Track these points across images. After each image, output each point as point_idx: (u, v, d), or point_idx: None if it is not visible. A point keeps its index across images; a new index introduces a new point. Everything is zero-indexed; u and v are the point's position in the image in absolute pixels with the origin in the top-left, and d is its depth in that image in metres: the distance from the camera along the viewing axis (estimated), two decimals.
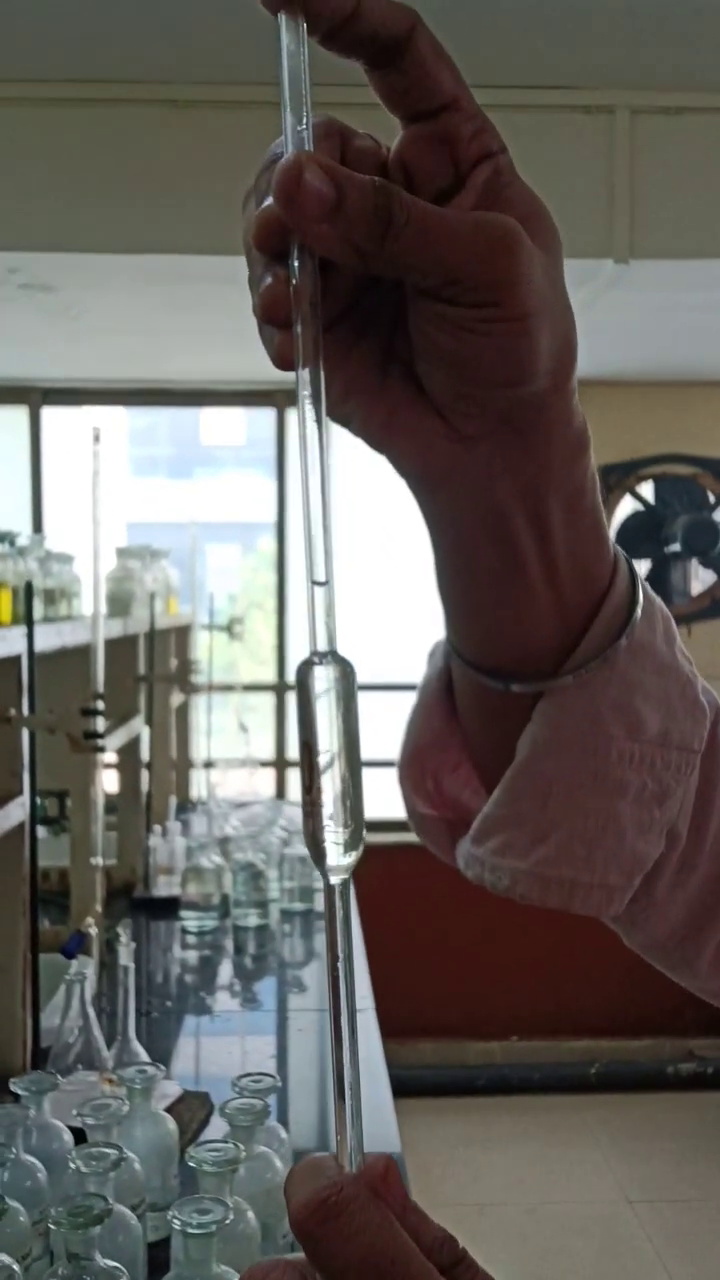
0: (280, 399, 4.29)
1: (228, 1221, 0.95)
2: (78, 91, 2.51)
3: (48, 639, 1.87)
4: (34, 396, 4.26)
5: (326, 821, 0.33)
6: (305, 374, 0.34)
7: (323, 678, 0.34)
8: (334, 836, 0.34)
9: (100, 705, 1.91)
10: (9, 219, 2.54)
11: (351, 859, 0.34)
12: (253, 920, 2.52)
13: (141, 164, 2.52)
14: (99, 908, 2.16)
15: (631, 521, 4.32)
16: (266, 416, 4.45)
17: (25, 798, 1.72)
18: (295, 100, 0.35)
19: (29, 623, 1.74)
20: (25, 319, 3.24)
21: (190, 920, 2.53)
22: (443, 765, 0.51)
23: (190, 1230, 0.93)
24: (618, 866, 0.46)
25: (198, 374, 4.11)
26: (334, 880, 0.34)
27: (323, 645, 0.34)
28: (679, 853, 0.47)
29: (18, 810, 1.69)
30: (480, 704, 0.48)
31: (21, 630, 1.73)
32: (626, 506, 4.32)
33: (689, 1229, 3.27)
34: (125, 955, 1.59)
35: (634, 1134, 3.79)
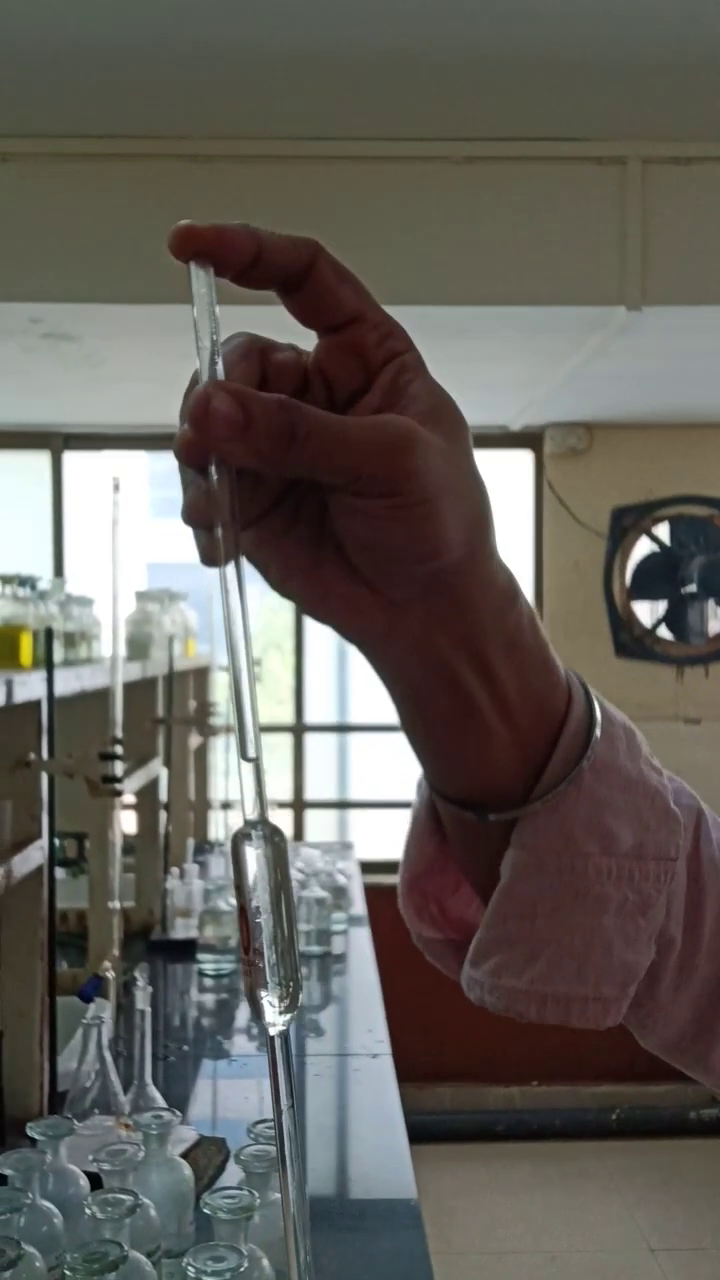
0: None
1: (242, 1269, 0.95)
2: (99, 146, 2.57)
3: (67, 683, 1.88)
4: (56, 442, 4.32)
5: (264, 982, 0.35)
6: (229, 570, 0.38)
7: (256, 846, 0.36)
8: (271, 997, 0.35)
9: (119, 750, 1.92)
10: (32, 271, 2.60)
11: (289, 1017, 0.36)
12: None
13: (161, 217, 2.57)
14: (116, 951, 2.16)
15: (647, 563, 4.33)
16: None
17: (44, 840, 1.73)
18: (205, 334, 0.40)
19: (49, 667, 1.76)
20: (47, 367, 3.30)
21: (207, 963, 2.54)
22: (443, 888, 0.53)
23: (205, 1278, 0.94)
24: (609, 978, 0.47)
25: None
26: (273, 1033, 0.36)
27: (253, 815, 0.36)
28: (676, 955, 0.49)
29: (36, 853, 1.70)
30: (463, 832, 0.50)
31: (41, 675, 1.75)
32: (643, 548, 4.33)
33: (711, 1277, 3.23)
34: (142, 999, 1.59)
35: (655, 1180, 3.75)
